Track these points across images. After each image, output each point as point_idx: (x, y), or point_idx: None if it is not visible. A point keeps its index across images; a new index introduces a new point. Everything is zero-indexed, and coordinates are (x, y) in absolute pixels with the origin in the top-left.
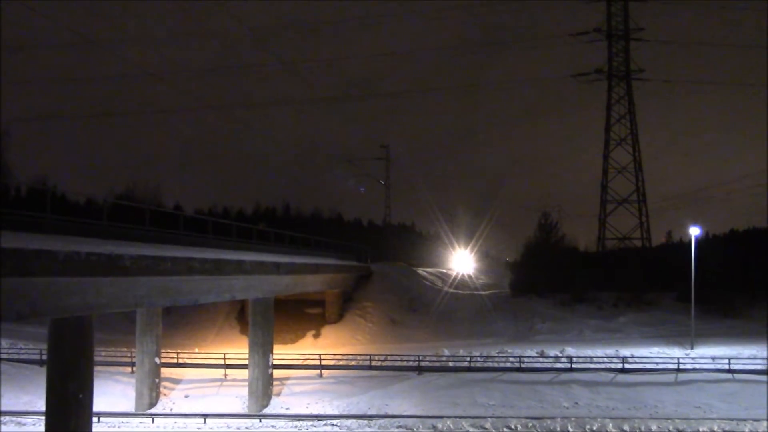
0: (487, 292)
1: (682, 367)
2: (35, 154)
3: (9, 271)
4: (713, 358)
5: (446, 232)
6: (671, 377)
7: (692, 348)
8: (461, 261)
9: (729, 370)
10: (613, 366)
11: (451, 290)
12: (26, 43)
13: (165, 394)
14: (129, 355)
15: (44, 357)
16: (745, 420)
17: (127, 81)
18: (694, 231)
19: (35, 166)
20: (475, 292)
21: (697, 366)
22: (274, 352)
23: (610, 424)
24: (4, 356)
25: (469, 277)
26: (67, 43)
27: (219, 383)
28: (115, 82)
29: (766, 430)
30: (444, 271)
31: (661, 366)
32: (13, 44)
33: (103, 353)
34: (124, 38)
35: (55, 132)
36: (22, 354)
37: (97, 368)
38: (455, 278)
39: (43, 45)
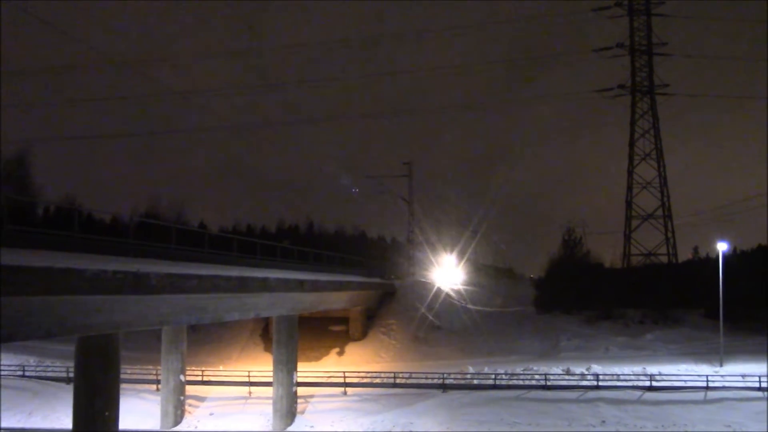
0: (512, 309)
1: (711, 384)
2: (62, 173)
3: (37, 289)
4: (743, 375)
5: (435, 246)
6: (700, 395)
7: (721, 365)
8: (483, 277)
9: (759, 388)
10: (640, 384)
11: (476, 307)
12: (52, 64)
13: (190, 412)
14: (154, 372)
15: (71, 374)
16: None
17: (151, 100)
18: (722, 246)
19: (63, 186)
20: (500, 309)
21: (727, 384)
22: (299, 369)
23: None
24: (31, 374)
25: (493, 293)
26: (92, 63)
27: (243, 401)
28: (140, 102)
29: None
30: (467, 287)
31: (689, 384)
32: (40, 66)
33: (128, 371)
34: (149, 58)
35: (81, 151)
36: (50, 371)
37: (122, 386)
38: (477, 295)
39: (68, 66)
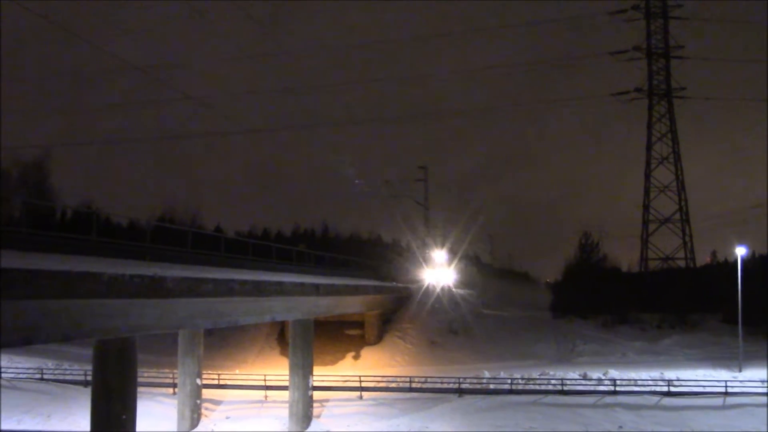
0: (528, 313)
1: (730, 390)
2: (80, 177)
3: (55, 292)
4: (762, 381)
5: (450, 251)
6: (719, 401)
7: (740, 371)
8: (499, 281)
9: None
10: (658, 389)
11: (492, 311)
12: (70, 70)
13: (206, 416)
14: (171, 376)
15: (89, 377)
16: None
17: (168, 104)
18: (740, 251)
19: (80, 190)
20: (516, 314)
21: (746, 389)
22: (314, 373)
23: None
24: (49, 377)
25: (509, 297)
26: (110, 68)
27: (259, 405)
28: (157, 106)
29: None
30: (482, 291)
31: (708, 389)
32: (59, 71)
33: (145, 374)
34: (166, 63)
35: (98, 156)
36: (68, 374)
37: (139, 389)
38: (493, 299)
39: (86, 71)
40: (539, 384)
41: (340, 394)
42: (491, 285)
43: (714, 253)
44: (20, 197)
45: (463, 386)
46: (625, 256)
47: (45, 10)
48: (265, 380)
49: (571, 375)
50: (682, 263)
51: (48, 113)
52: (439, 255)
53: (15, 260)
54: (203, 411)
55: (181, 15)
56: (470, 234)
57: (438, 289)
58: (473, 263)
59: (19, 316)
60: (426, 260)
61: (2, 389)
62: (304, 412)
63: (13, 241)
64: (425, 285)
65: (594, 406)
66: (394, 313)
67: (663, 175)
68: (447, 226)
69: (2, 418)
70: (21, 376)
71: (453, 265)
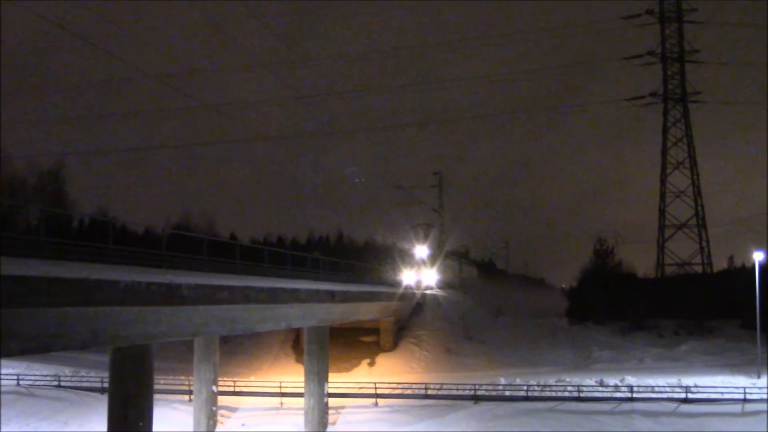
0: (544, 319)
1: (748, 397)
2: (96, 185)
3: (73, 300)
4: None
5: (466, 257)
6: (737, 408)
7: (759, 377)
8: (514, 288)
9: None
10: (675, 396)
11: (507, 318)
12: (88, 79)
13: (222, 423)
14: (187, 383)
15: (105, 385)
16: None
17: (185, 113)
18: (758, 256)
19: (97, 198)
20: (531, 320)
21: (765, 396)
22: (330, 380)
23: None
24: (66, 384)
25: (524, 303)
26: (127, 78)
27: (275, 412)
28: (173, 115)
29: None
30: (497, 298)
31: (726, 396)
32: (77, 81)
33: (161, 381)
34: (183, 72)
35: (114, 164)
36: (84, 382)
37: (155, 396)
38: (508, 305)
39: (103, 81)
40: (555, 391)
41: (355, 401)
42: (506, 291)
43: (731, 258)
44: (37, 205)
45: (479, 393)
46: (641, 262)
47: (63, 19)
48: (280, 387)
49: (588, 381)
50: (698, 269)
51: (65, 121)
52: (420, 250)
53: (33, 268)
54: (219, 418)
55: (198, 24)
56: (459, 231)
57: (418, 293)
58: (463, 262)
59: (37, 324)
60: (442, 266)
61: (20, 396)
62: (320, 419)
63: (31, 249)
64: (441, 291)
65: (611, 412)
66: (409, 320)
67: (679, 179)
68: (453, 228)
69: (20, 425)
70: (39, 383)
71: (436, 266)
